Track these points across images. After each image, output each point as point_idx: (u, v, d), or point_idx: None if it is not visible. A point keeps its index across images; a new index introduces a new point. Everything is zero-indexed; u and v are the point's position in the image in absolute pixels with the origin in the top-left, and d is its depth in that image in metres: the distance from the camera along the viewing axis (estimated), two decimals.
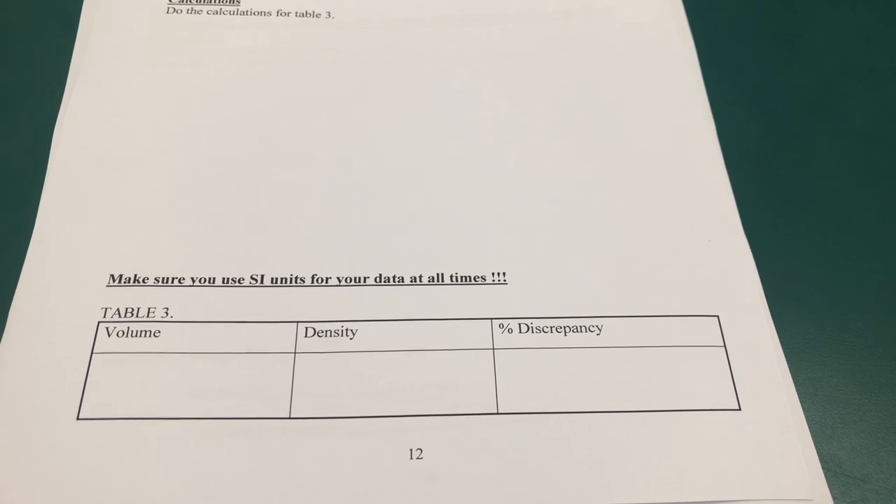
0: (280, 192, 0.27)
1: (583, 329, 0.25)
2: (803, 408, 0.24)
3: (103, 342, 0.24)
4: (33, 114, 0.29)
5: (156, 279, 0.25)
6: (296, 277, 0.25)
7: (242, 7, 0.32)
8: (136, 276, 0.25)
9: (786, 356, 0.25)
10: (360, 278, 0.25)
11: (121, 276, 0.25)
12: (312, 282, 0.25)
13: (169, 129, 0.28)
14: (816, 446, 0.23)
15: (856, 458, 0.23)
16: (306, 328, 0.24)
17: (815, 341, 0.25)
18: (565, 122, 0.29)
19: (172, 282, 0.25)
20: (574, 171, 0.28)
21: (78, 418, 0.22)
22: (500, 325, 0.25)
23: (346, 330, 0.24)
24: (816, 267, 0.27)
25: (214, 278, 0.25)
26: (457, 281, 0.25)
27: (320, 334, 0.24)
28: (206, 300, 0.25)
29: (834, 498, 0.22)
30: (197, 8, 0.31)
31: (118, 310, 0.24)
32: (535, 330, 0.25)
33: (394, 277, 0.25)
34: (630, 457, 0.23)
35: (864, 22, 0.34)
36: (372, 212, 0.27)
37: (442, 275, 0.26)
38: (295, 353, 0.24)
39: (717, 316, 0.25)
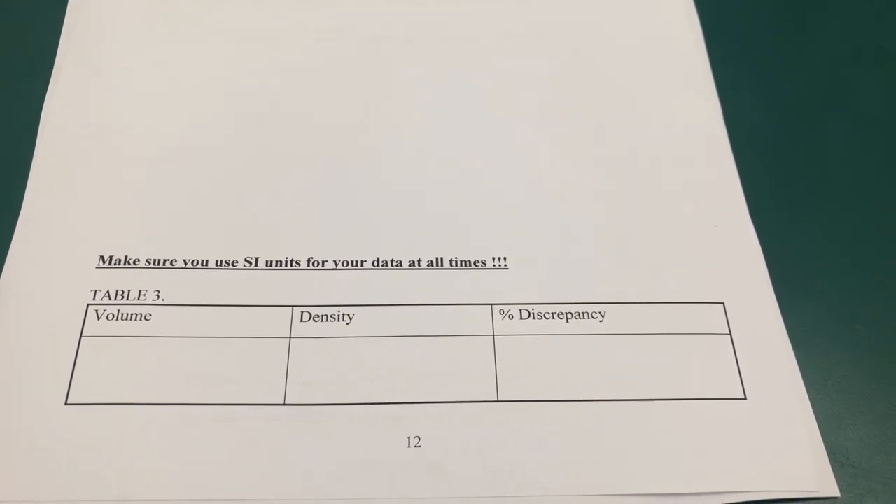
0: (276, 173, 0.26)
1: (585, 315, 0.24)
2: (810, 397, 0.23)
3: (92, 325, 0.23)
4: (21, 90, 0.28)
5: (147, 261, 0.24)
6: (291, 261, 0.25)
7: None
8: (126, 257, 0.24)
9: (792, 344, 0.24)
10: (357, 262, 0.25)
11: (111, 257, 0.24)
12: (308, 265, 0.25)
13: (162, 107, 0.28)
14: (823, 437, 0.23)
15: (863, 448, 0.23)
16: (302, 313, 0.24)
17: (822, 329, 0.25)
18: (570, 104, 0.29)
19: (164, 264, 0.24)
20: (578, 154, 0.28)
21: (66, 403, 0.22)
22: (501, 311, 0.24)
23: (343, 315, 0.24)
24: (824, 253, 0.27)
25: (208, 261, 0.25)
26: (456, 265, 0.25)
27: (316, 319, 0.24)
28: (199, 283, 0.24)
29: (841, 489, 0.22)
30: None
31: (108, 292, 0.24)
32: (536, 316, 0.24)
33: (392, 261, 0.25)
34: (632, 446, 0.22)
35: (874, 6, 0.33)
36: (370, 194, 0.26)
37: (441, 259, 0.25)
38: (290, 337, 0.23)
39: (723, 303, 0.25)
